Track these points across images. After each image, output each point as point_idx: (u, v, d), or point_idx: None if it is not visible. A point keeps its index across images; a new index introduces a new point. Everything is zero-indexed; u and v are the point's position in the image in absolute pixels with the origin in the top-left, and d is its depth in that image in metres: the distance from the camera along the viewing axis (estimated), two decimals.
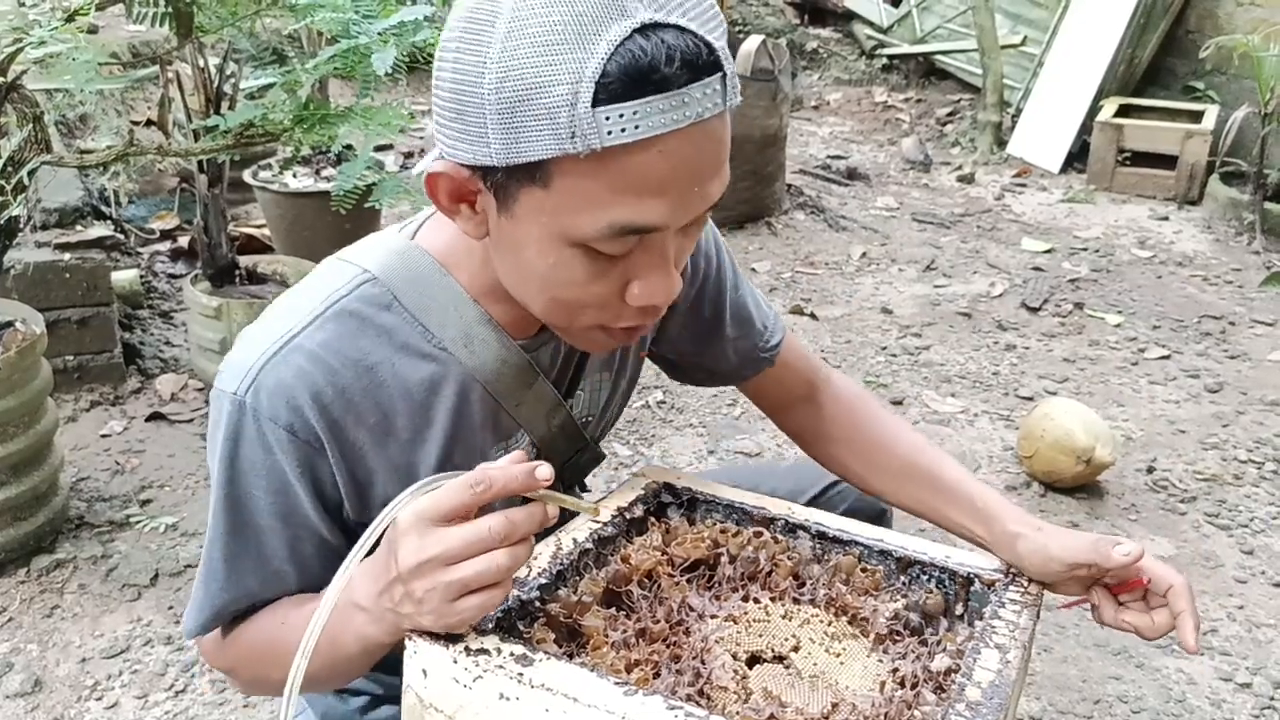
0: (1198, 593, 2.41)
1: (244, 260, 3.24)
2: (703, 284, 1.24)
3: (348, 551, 0.98)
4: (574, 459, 1.22)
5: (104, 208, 3.83)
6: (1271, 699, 2.11)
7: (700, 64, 0.77)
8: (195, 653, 2.14)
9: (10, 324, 2.31)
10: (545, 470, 0.82)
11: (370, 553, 0.85)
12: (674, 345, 1.28)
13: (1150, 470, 2.92)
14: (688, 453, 2.96)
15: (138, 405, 3.07)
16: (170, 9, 2.17)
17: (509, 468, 0.81)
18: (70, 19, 1.69)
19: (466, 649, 0.92)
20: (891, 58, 7.28)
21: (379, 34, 1.77)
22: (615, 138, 0.76)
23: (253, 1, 2.34)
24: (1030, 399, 3.30)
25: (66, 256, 2.99)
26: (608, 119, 0.75)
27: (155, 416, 3.01)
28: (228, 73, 2.80)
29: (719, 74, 0.79)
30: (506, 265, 0.92)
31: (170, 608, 2.26)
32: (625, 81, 0.75)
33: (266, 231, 4.08)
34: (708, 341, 1.28)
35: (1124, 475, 2.90)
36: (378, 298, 0.98)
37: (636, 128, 0.76)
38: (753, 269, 4.32)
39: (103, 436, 2.91)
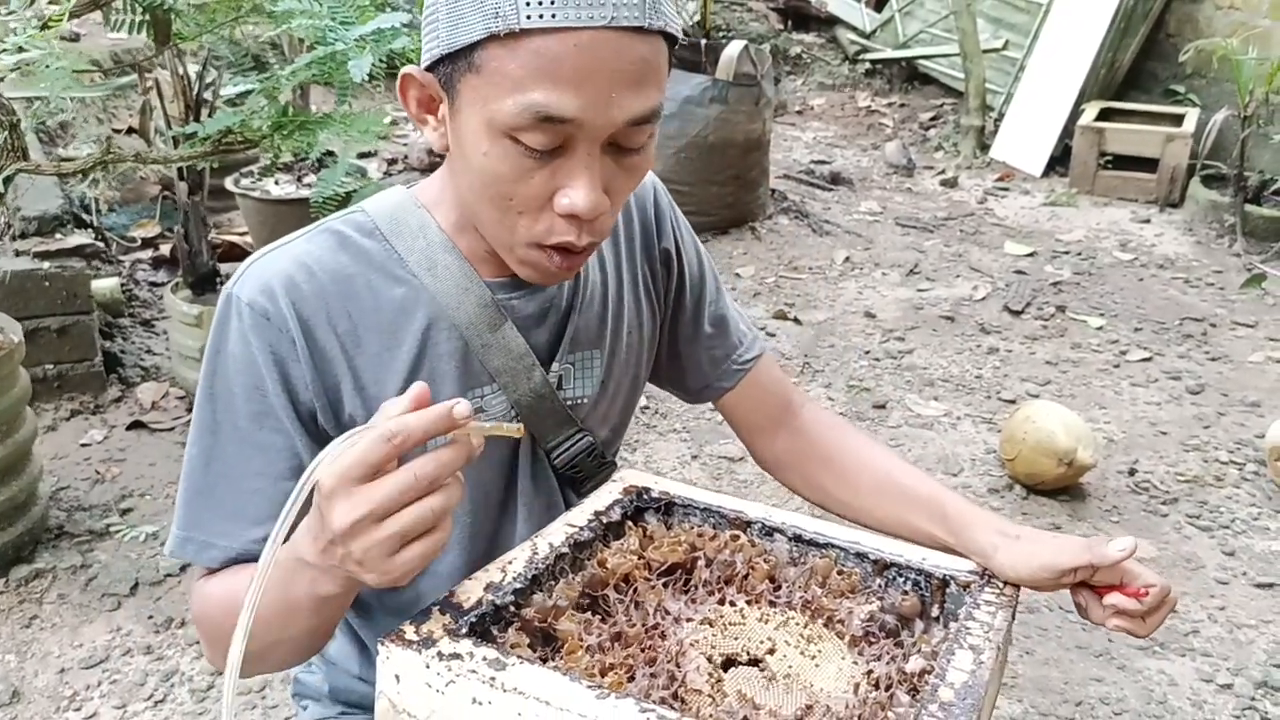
0: (1179, 594, 2.42)
1: (225, 268, 3.23)
2: (684, 288, 1.27)
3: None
4: (568, 446, 1.20)
5: (85, 215, 3.82)
6: (1253, 699, 2.12)
7: None
8: (175, 662, 2.13)
9: None
10: (463, 407, 0.81)
11: (306, 508, 0.84)
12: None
13: (1132, 472, 2.94)
14: (671, 457, 2.96)
15: (118, 414, 3.06)
16: (147, 16, 2.16)
17: (425, 411, 0.80)
18: (44, 27, 1.68)
19: (439, 654, 0.91)
20: (875, 63, 7.31)
21: (355, 40, 1.76)
22: (533, 21, 0.84)
23: (231, 8, 2.33)
24: (1013, 402, 3.31)
25: (46, 265, 2.98)
26: (528, 4, 0.84)
27: (136, 425, 3.00)
28: (207, 80, 2.79)
29: None
30: (458, 172, 0.99)
31: (150, 617, 2.25)
32: None
33: (249, 239, 4.07)
34: (686, 344, 1.29)
35: (1106, 477, 2.91)
36: (362, 225, 1.06)
37: (554, 16, 0.84)
38: (736, 274, 4.32)
39: (83, 445, 2.89)
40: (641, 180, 1.00)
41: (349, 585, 0.89)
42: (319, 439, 1.04)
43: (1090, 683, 2.15)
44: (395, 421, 0.80)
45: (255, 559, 1.01)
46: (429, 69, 0.94)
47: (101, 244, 3.82)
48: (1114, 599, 1.06)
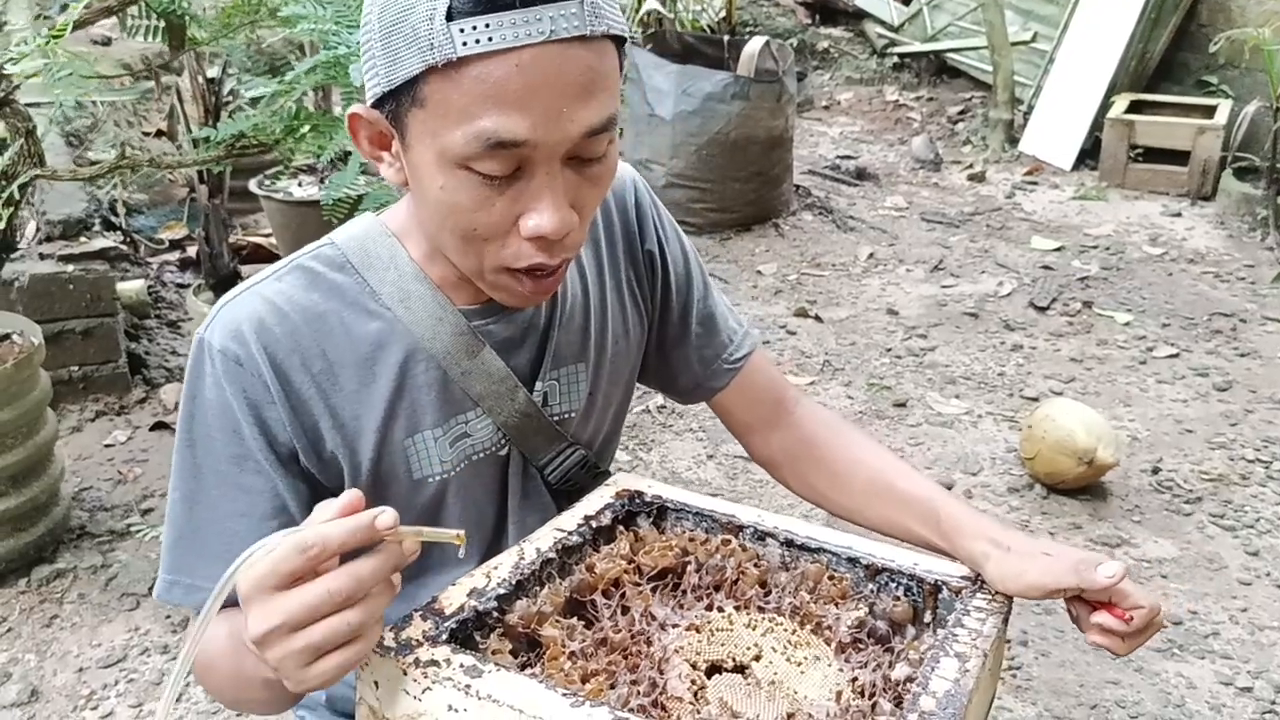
0: (1200, 595, 2.39)
1: (247, 270, 3.26)
2: (669, 288, 1.24)
3: (301, 511, 1.02)
4: (560, 461, 1.20)
5: (113, 218, 3.87)
6: (1273, 703, 2.08)
7: None
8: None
9: (7, 336, 2.34)
10: (387, 518, 0.79)
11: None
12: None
13: (1155, 471, 2.89)
14: (687, 457, 2.95)
15: (142, 415, 3.10)
16: (162, 22, 2.18)
17: (344, 521, 0.79)
18: (51, 39, 1.70)
19: (417, 660, 0.91)
20: (903, 56, 7.26)
21: (358, 44, 1.77)
22: (470, 48, 0.82)
23: (246, 13, 2.35)
24: (1035, 400, 3.27)
25: (70, 268, 3.02)
26: (462, 31, 0.82)
27: (159, 426, 3.03)
28: (226, 84, 2.81)
29: (574, 0, 0.84)
30: (418, 205, 0.97)
31: (168, 616, 2.28)
32: None
33: (273, 240, 4.10)
34: (674, 346, 1.28)
35: (1129, 476, 2.87)
36: (333, 259, 1.05)
37: (490, 40, 0.82)
38: (758, 271, 4.31)
39: (106, 446, 2.93)
40: (608, 188, 0.97)
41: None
42: (302, 477, 1.04)
43: (1106, 685, 2.12)
44: (312, 532, 0.78)
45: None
46: (375, 106, 0.91)
47: (126, 247, 3.87)
48: (1101, 618, 1.05)
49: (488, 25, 0.81)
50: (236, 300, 1.01)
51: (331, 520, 0.80)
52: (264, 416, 1.00)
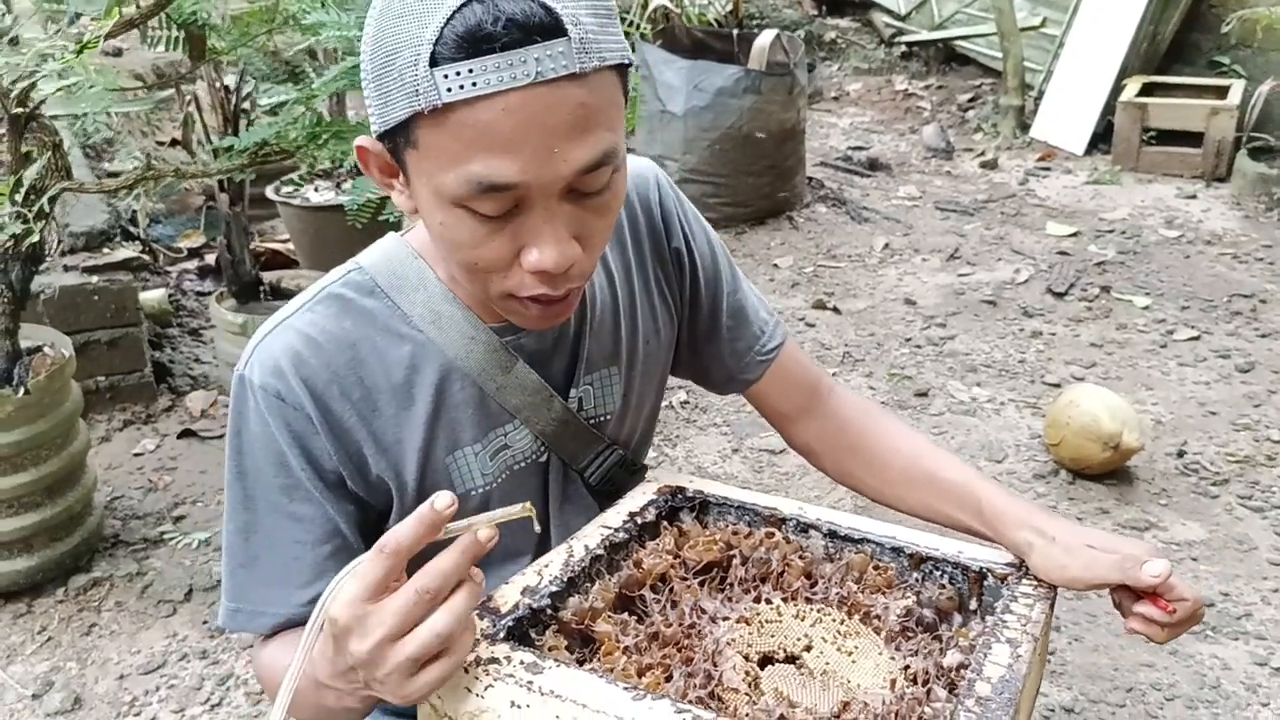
0: (1231, 577, 2.39)
1: (268, 276, 3.28)
2: (698, 284, 1.25)
3: (353, 534, 1.06)
4: (599, 462, 1.22)
5: (132, 228, 3.90)
6: None
7: (534, 25, 0.80)
8: (230, 666, 2.18)
9: (39, 349, 2.36)
10: (443, 500, 0.81)
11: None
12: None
13: (1181, 454, 2.89)
14: (712, 452, 2.96)
15: (169, 423, 3.12)
16: (182, 32, 2.20)
17: (408, 519, 0.81)
18: (80, 51, 1.72)
19: (478, 658, 0.93)
20: (911, 45, 7.24)
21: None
22: (454, 94, 0.80)
23: (264, 21, 2.37)
24: (1057, 386, 3.27)
25: (94, 279, 3.04)
26: (445, 77, 0.80)
27: (186, 433, 3.05)
28: (244, 92, 2.83)
29: (562, 37, 0.81)
30: (428, 234, 0.98)
31: (204, 622, 2.30)
32: (458, 43, 0.80)
33: (291, 246, 4.12)
34: (705, 340, 1.28)
35: (1154, 460, 2.87)
36: (362, 285, 1.06)
37: (474, 85, 0.80)
38: (774, 264, 4.31)
39: (135, 455, 2.95)
40: (617, 214, 0.96)
41: (369, 702, 0.91)
42: (352, 500, 1.07)
43: (1141, 669, 2.12)
44: (386, 535, 0.81)
45: (305, 622, 1.04)
46: (378, 139, 0.91)
47: (148, 256, 3.89)
48: (1145, 608, 1.06)
49: (471, 70, 0.80)
50: (271, 335, 1.03)
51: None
52: (309, 447, 1.02)
